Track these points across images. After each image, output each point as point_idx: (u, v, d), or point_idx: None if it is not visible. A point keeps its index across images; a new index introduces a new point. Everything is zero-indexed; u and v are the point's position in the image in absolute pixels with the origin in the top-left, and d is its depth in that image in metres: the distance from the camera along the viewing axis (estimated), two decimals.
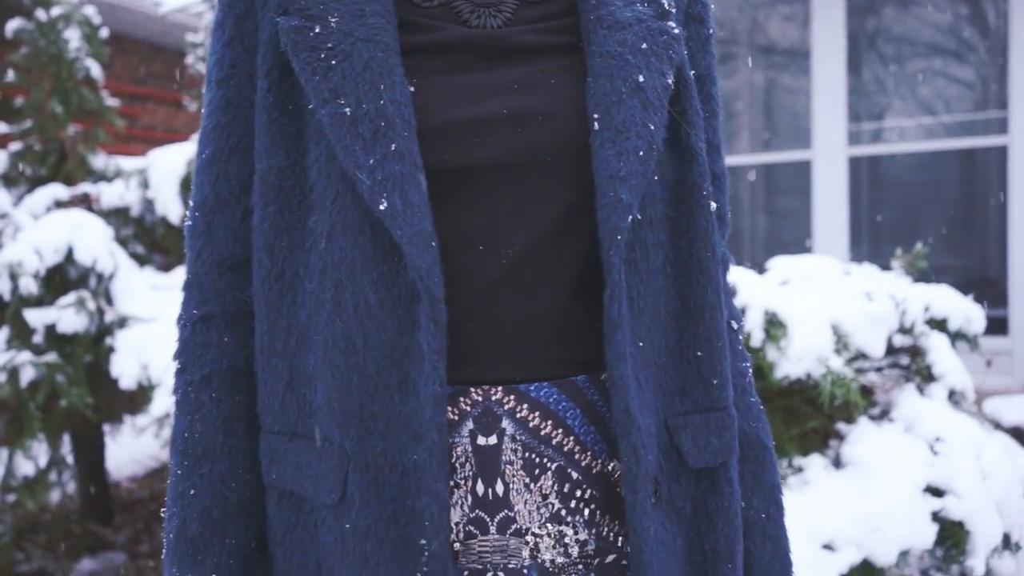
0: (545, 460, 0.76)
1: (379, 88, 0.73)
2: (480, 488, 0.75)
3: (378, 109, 0.72)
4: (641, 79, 0.77)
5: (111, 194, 3.19)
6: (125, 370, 2.54)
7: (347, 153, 0.72)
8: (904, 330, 2.48)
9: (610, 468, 0.78)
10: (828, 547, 1.96)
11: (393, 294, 0.72)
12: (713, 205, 0.81)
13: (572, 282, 0.77)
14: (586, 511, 0.77)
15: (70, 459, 3.43)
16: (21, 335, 2.58)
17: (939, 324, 2.60)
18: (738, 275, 2.17)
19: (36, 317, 2.58)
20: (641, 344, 0.76)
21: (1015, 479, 2.20)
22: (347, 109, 0.72)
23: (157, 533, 3.73)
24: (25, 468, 3.19)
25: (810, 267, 2.63)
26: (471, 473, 0.75)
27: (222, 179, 0.80)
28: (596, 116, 0.75)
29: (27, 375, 2.48)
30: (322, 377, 0.74)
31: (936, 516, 2.06)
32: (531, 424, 0.75)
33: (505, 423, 0.75)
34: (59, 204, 3.15)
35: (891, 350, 2.54)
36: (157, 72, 7.52)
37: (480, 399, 0.75)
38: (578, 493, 0.76)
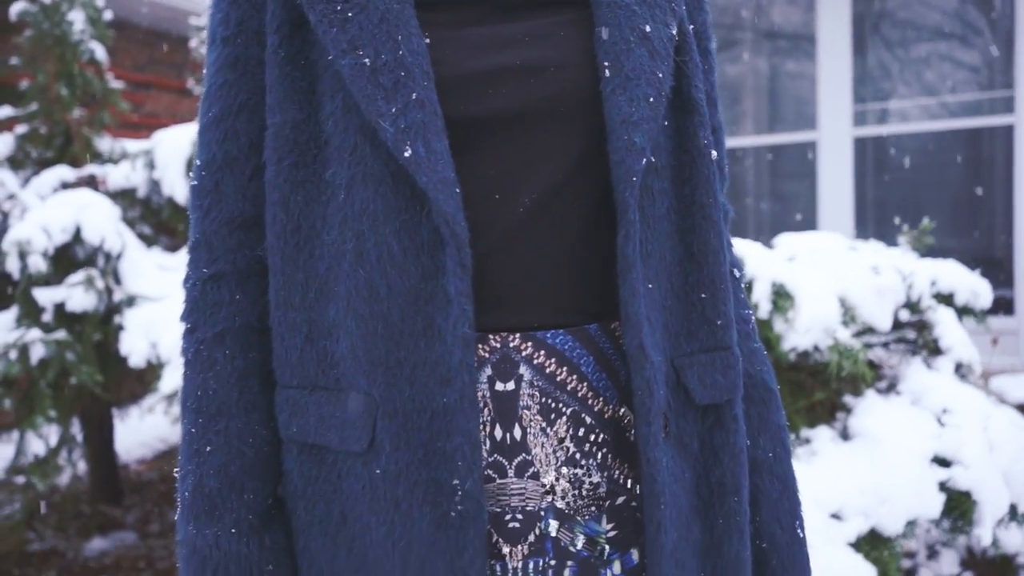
0: (560, 405, 0.77)
1: (396, 39, 0.74)
2: (498, 433, 0.76)
3: (397, 59, 0.73)
4: (648, 29, 0.79)
5: (117, 175, 3.20)
6: (134, 348, 2.55)
7: (369, 102, 0.72)
8: (911, 304, 2.48)
9: (620, 413, 0.80)
10: (836, 516, 1.97)
11: (416, 242, 0.73)
12: (714, 154, 0.83)
13: (583, 230, 0.79)
14: (599, 454, 0.78)
15: (80, 439, 3.45)
16: (30, 314, 2.59)
17: (946, 299, 2.60)
18: (745, 248, 2.17)
19: (45, 296, 2.59)
20: (650, 286, 0.78)
21: (1022, 450, 2.20)
22: (366, 60, 0.73)
23: (167, 513, 3.76)
24: (36, 447, 3.21)
25: (816, 243, 2.63)
26: (489, 418, 0.76)
27: (231, 137, 0.80)
28: (606, 64, 0.77)
29: (37, 353, 2.49)
30: (345, 327, 0.75)
31: (943, 486, 2.07)
32: (547, 370, 0.77)
33: (522, 369, 0.76)
34: (65, 186, 3.15)
35: (897, 325, 2.54)
36: (160, 59, 7.51)
37: (498, 346, 0.76)
38: (591, 437, 0.78)
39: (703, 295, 0.81)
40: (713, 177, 0.82)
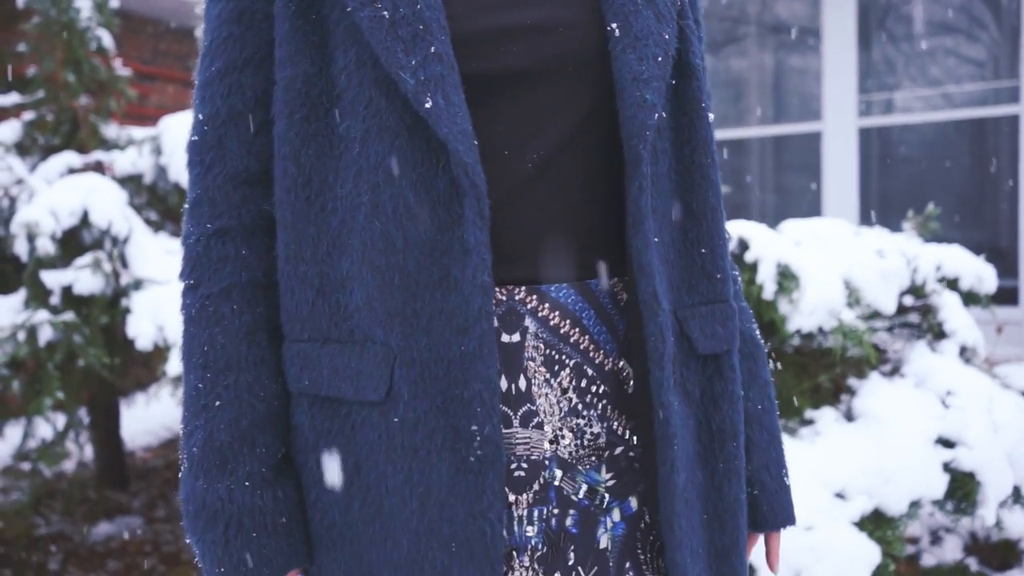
0: (564, 357, 0.79)
1: None
2: (504, 384, 0.78)
3: (415, 13, 0.74)
4: None
5: (124, 161, 3.21)
6: (141, 331, 2.56)
7: (388, 55, 0.73)
8: (915, 288, 2.49)
9: (619, 366, 0.82)
10: (840, 496, 1.97)
11: (432, 195, 0.74)
12: (711, 116, 0.86)
13: (588, 186, 0.80)
14: (599, 406, 0.80)
15: (87, 425, 3.46)
16: (38, 297, 2.60)
17: (951, 283, 2.61)
18: (750, 230, 2.18)
19: (53, 279, 2.60)
20: (656, 240, 0.80)
21: None
22: (385, 12, 0.74)
23: (173, 499, 3.78)
24: (43, 431, 3.23)
25: (821, 229, 2.63)
26: (496, 370, 0.76)
27: (236, 91, 0.80)
28: (615, 25, 0.79)
29: (45, 335, 2.50)
30: (360, 279, 0.76)
31: (947, 467, 2.08)
32: (551, 323, 0.79)
33: (528, 321, 0.78)
34: (72, 171, 3.16)
35: (901, 310, 2.54)
36: (166, 50, 7.51)
37: (504, 298, 0.78)
38: (593, 389, 0.80)
39: (703, 250, 0.84)
40: (711, 139, 0.85)
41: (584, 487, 0.79)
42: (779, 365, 2.27)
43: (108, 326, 2.71)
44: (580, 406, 0.79)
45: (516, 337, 0.78)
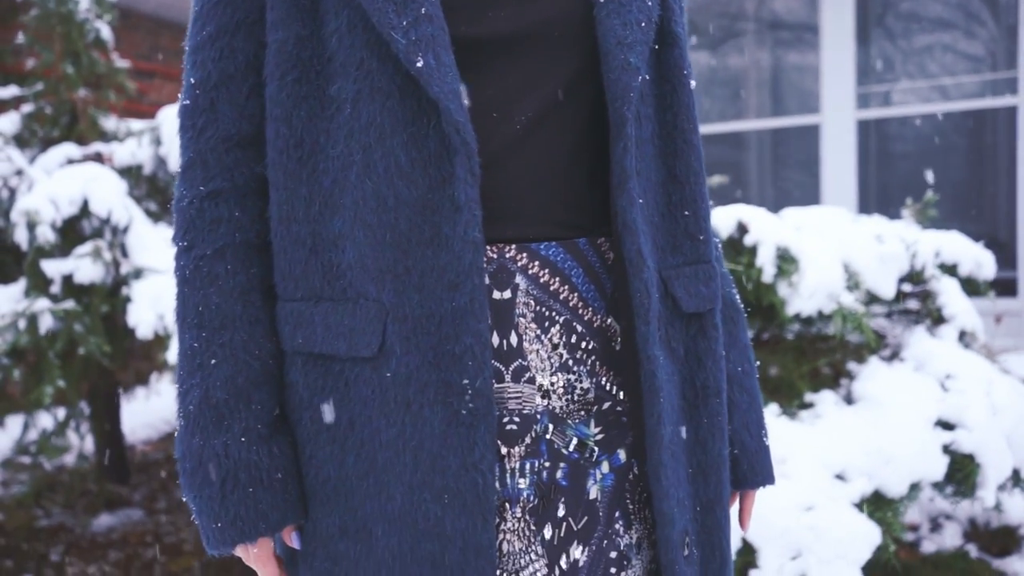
0: (554, 314, 0.81)
1: None
2: (496, 340, 0.80)
3: None
4: None
5: (123, 152, 3.21)
6: (142, 319, 2.57)
7: (380, 15, 0.74)
8: (914, 275, 2.49)
9: (607, 323, 0.83)
10: (840, 477, 1.98)
11: (424, 154, 0.75)
12: (693, 83, 0.88)
13: (574, 148, 0.82)
14: (588, 361, 0.82)
15: (87, 417, 3.47)
16: (38, 286, 2.60)
17: (949, 269, 2.61)
18: (750, 213, 2.18)
19: (53, 268, 2.61)
20: (641, 201, 0.82)
21: None
22: None
23: (174, 491, 3.78)
24: (44, 422, 3.23)
25: (820, 217, 2.64)
26: (487, 326, 0.78)
27: (227, 55, 0.81)
28: None
29: (45, 323, 2.50)
30: (352, 237, 0.77)
31: (947, 449, 2.08)
32: (541, 280, 0.80)
33: (518, 279, 0.80)
34: (72, 162, 3.17)
35: (900, 296, 2.55)
36: (163, 47, 7.52)
37: (495, 256, 0.79)
38: (582, 345, 0.82)
39: (686, 212, 0.86)
40: (693, 105, 0.87)
41: (574, 440, 0.81)
42: (777, 350, 2.28)
43: (108, 315, 2.72)
44: (570, 361, 0.81)
45: (507, 294, 0.79)
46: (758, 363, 2.16)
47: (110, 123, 3.60)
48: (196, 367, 0.80)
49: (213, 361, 0.80)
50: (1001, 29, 5.06)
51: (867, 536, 1.85)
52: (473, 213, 0.74)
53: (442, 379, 0.74)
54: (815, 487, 1.90)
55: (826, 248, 2.22)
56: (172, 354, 2.53)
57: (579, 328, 0.82)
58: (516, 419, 0.79)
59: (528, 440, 0.80)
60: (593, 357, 0.82)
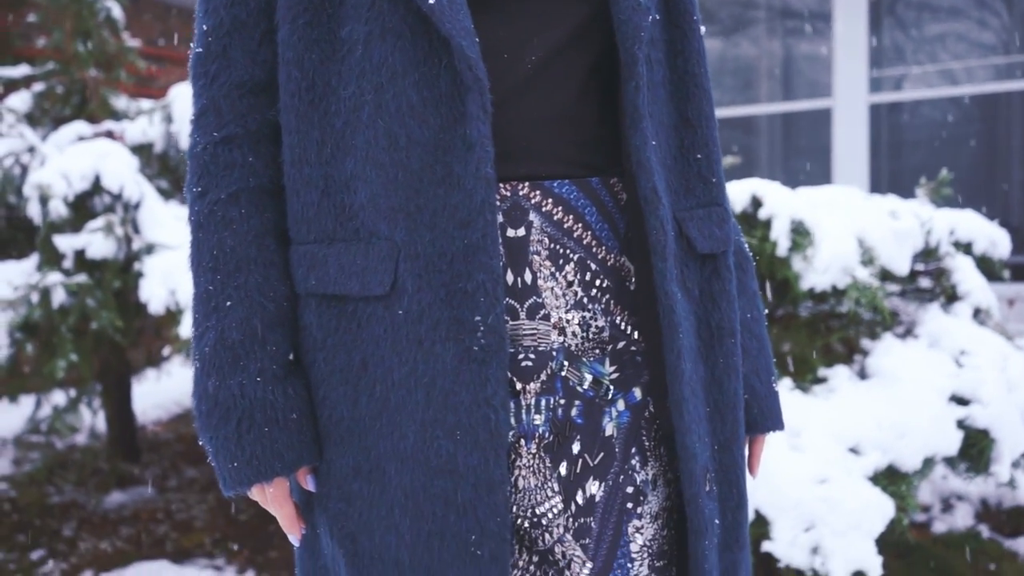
0: (568, 251, 0.81)
1: None
2: (510, 277, 0.80)
3: None
4: None
5: (134, 130, 3.21)
6: (154, 294, 2.57)
7: None
8: (928, 252, 2.48)
9: (621, 262, 0.84)
10: (854, 451, 1.97)
11: (435, 93, 0.76)
12: (703, 29, 0.89)
13: (584, 89, 0.82)
14: (603, 299, 0.82)
15: (99, 394, 3.48)
16: (51, 260, 2.61)
17: (964, 248, 2.60)
18: (764, 187, 2.17)
19: (65, 243, 2.61)
20: (654, 143, 0.82)
21: None
22: None
23: (184, 470, 3.80)
24: (57, 399, 3.25)
25: (833, 195, 2.63)
26: (502, 263, 0.79)
27: (239, 1, 0.81)
28: None
29: (58, 297, 2.51)
30: (364, 177, 0.77)
31: (961, 424, 2.07)
32: (555, 217, 0.81)
33: (532, 216, 0.80)
34: (82, 140, 3.17)
35: (914, 275, 2.53)
36: (172, 32, 7.51)
37: (508, 194, 0.80)
38: (596, 283, 0.82)
39: (698, 156, 0.87)
40: (702, 51, 0.88)
41: (589, 378, 0.82)
42: (791, 326, 2.27)
43: (120, 292, 2.72)
44: (585, 299, 0.81)
45: (521, 231, 0.80)
46: (772, 339, 2.16)
47: (121, 102, 3.60)
48: (211, 309, 0.80)
49: (228, 303, 0.80)
50: (1014, 13, 5.01)
51: (881, 509, 1.85)
52: (485, 150, 0.74)
53: (454, 316, 0.75)
54: (829, 460, 1.90)
55: (840, 222, 2.20)
56: (184, 329, 2.53)
57: (593, 266, 0.82)
58: (531, 355, 0.80)
59: (543, 377, 0.80)
60: (607, 296, 0.82)
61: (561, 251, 0.81)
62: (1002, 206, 5.13)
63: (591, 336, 0.82)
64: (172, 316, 2.67)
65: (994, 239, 2.63)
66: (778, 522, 1.83)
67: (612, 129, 0.83)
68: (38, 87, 3.56)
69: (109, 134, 3.27)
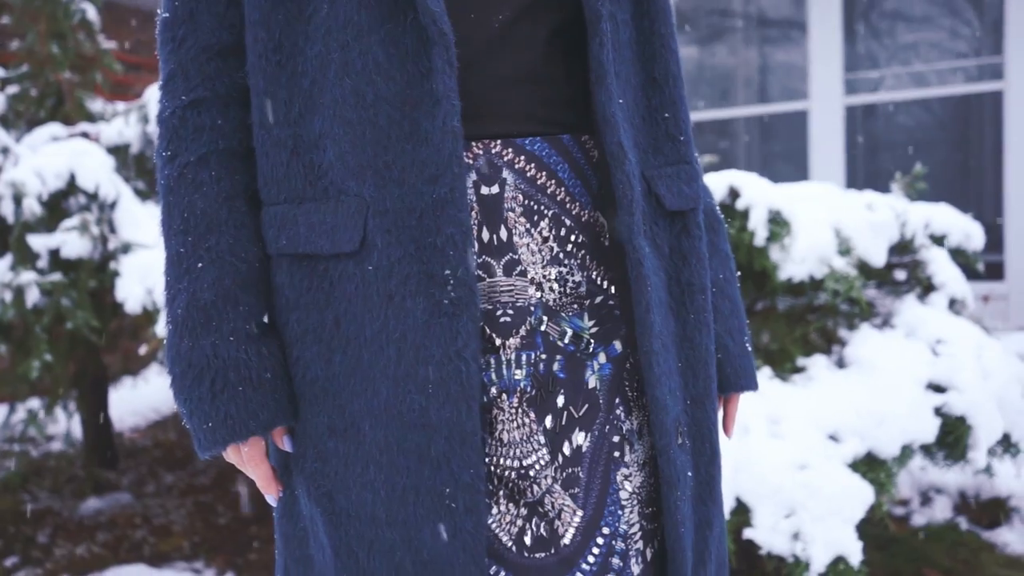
0: (542, 207, 0.82)
1: None
2: (485, 235, 0.80)
3: None
4: None
5: (110, 132, 3.19)
6: (130, 294, 2.54)
7: None
8: (904, 244, 2.50)
9: (595, 218, 0.84)
10: (833, 438, 1.98)
11: (401, 50, 0.76)
12: None
13: (551, 48, 0.83)
14: (579, 255, 0.83)
15: (74, 405, 3.43)
16: (25, 260, 2.57)
17: (938, 240, 2.63)
18: (741, 178, 2.19)
19: (40, 242, 2.58)
20: (620, 101, 0.83)
21: (1015, 377, 2.23)
22: None
23: (162, 476, 3.75)
24: (32, 405, 3.19)
25: (810, 190, 2.66)
26: (477, 221, 0.80)
27: None
28: None
29: (32, 297, 2.48)
30: (332, 135, 0.78)
31: (938, 411, 2.09)
32: (528, 174, 0.81)
33: (505, 173, 0.81)
34: (57, 141, 3.14)
35: (890, 267, 2.56)
36: (149, 41, 7.47)
37: (481, 152, 0.80)
38: (572, 238, 0.83)
39: (666, 115, 0.87)
40: (669, 11, 0.89)
41: (569, 333, 0.82)
42: (769, 317, 2.28)
43: (96, 291, 2.69)
44: (561, 255, 0.82)
45: (495, 189, 0.80)
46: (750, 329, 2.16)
47: (96, 105, 3.57)
48: (183, 272, 0.80)
49: (200, 264, 0.80)
50: (987, 15, 5.10)
51: (860, 495, 1.86)
52: (452, 103, 0.74)
53: (424, 271, 0.75)
54: (808, 447, 1.91)
55: (817, 213, 2.22)
56: (161, 327, 2.51)
57: (568, 222, 0.82)
58: (510, 311, 0.80)
59: (523, 332, 0.80)
60: (583, 251, 0.83)
61: (535, 208, 0.81)
62: (975, 205, 5.20)
63: (568, 291, 0.82)
64: (149, 316, 2.64)
65: (968, 232, 2.66)
66: (759, 508, 1.83)
67: (582, 89, 0.84)
68: (12, 90, 3.52)
69: (84, 136, 3.24)
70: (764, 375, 2.09)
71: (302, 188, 0.79)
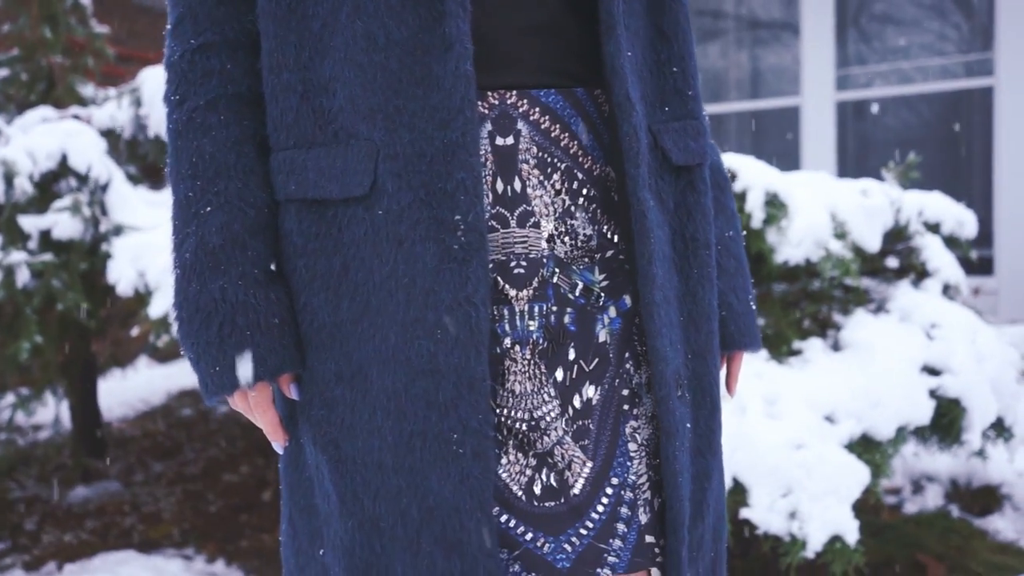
0: (556, 160, 0.81)
1: None
2: (500, 186, 0.80)
3: None
4: None
5: (102, 115, 3.16)
6: (123, 275, 2.52)
7: None
8: (898, 231, 2.51)
9: (606, 172, 0.84)
10: (829, 419, 1.98)
11: None
12: None
13: (567, 2, 0.82)
14: (590, 208, 0.83)
15: (63, 392, 3.40)
16: (15, 241, 2.55)
17: (932, 228, 2.64)
18: (738, 160, 2.19)
19: (30, 223, 2.56)
20: (629, 54, 0.82)
21: (1009, 362, 2.24)
22: None
23: (151, 465, 3.72)
24: (19, 393, 3.16)
25: (804, 177, 2.66)
26: (491, 171, 0.80)
27: None
28: None
29: (22, 277, 2.45)
30: (343, 79, 0.77)
31: (933, 394, 2.10)
32: (543, 126, 0.81)
33: (520, 125, 0.80)
34: (48, 122, 3.11)
35: (884, 253, 2.57)
36: (141, 32, 7.42)
37: (496, 102, 0.80)
38: (583, 192, 0.83)
39: (674, 69, 0.87)
40: None
41: (580, 286, 0.82)
42: (766, 301, 2.29)
43: (87, 273, 2.67)
44: (572, 208, 0.82)
45: (510, 140, 0.80)
46: None
47: (88, 90, 3.54)
48: (192, 216, 0.80)
49: (208, 208, 0.79)
50: (977, 12, 5.14)
51: (857, 474, 1.86)
52: (464, 47, 0.74)
53: (434, 216, 0.75)
54: (805, 427, 1.91)
55: (813, 197, 2.23)
56: (154, 308, 2.48)
57: (580, 176, 0.82)
58: (523, 263, 0.80)
59: (535, 283, 0.80)
60: (594, 205, 0.83)
61: (549, 160, 0.81)
62: (965, 200, 5.23)
63: (579, 245, 0.82)
64: (141, 299, 2.62)
65: (961, 220, 2.68)
66: (756, 488, 1.83)
67: (594, 42, 0.83)
68: (2, 73, 3.49)
69: (76, 119, 3.21)
70: (760, 357, 2.09)
71: (311, 133, 0.79)
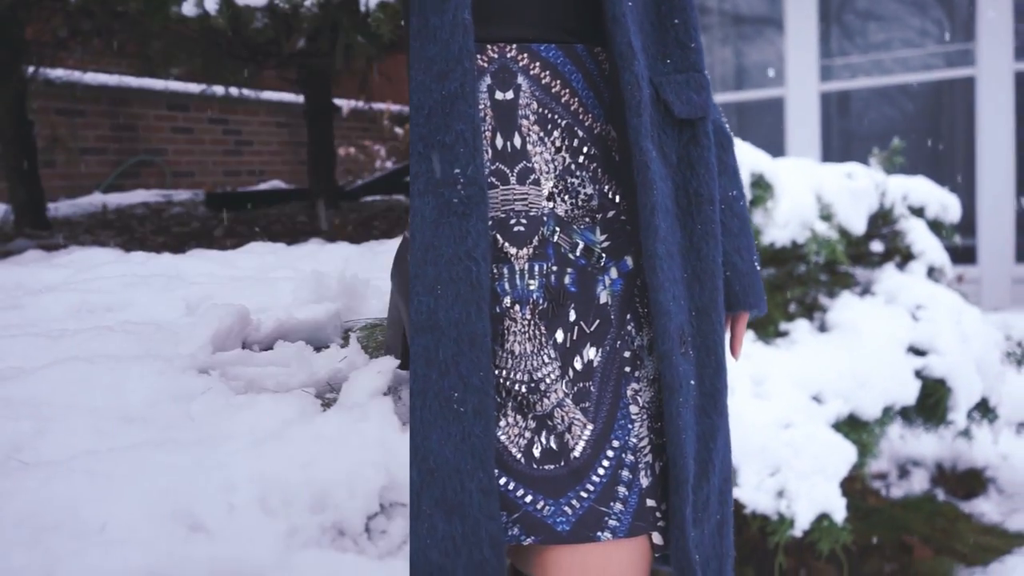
0: (556, 116, 0.80)
1: None
2: (499, 141, 0.79)
3: None
4: None
5: None
6: None
7: None
8: (883, 214, 2.52)
9: (606, 130, 0.82)
10: (816, 399, 1.99)
11: None
12: None
13: None
14: (591, 167, 0.82)
15: None
16: None
17: (917, 212, 2.65)
18: None
19: None
20: (631, 3, 0.81)
21: (993, 343, 2.25)
22: None
23: None
24: None
25: (790, 163, 2.67)
26: (491, 126, 0.78)
27: None
28: None
29: None
30: None
31: (919, 374, 2.11)
32: (543, 81, 0.80)
33: (520, 79, 0.79)
34: None
35: (870, 236, 2.58)
36: None
37: (496, 56, 0.79)
38: (584, 150, 0.81)
39: (676, 21, 0.85)
40: None
41: (580, 245, 0.80)
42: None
43: None
44: (573, 166, 0.80)
45: (510, 95, 0.78)
46: None
47: None
48: None
49: None
50: (958, 2, 5.17)
51: (844, 453, 1.86)
52: None
53: (431, 169, 0.73)
54: (792, 407, 1.91)
55: (799, 179, 2.23)
56: None
57: (580, 133, 0.81)
58: (523, 220, 0.78)
59: (536, 242, 0.79)
60: (595, 164, 0.81)
61: (549, 116, 0.80)
62: (948, 187, 5.27)
63: (580, 204, 0.81)
64: None
65: (945, 204, 2.69)
66: (744, 467, 1.83)
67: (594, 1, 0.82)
68: None
69: None
70: (748, 337, 2.10)
71: None
